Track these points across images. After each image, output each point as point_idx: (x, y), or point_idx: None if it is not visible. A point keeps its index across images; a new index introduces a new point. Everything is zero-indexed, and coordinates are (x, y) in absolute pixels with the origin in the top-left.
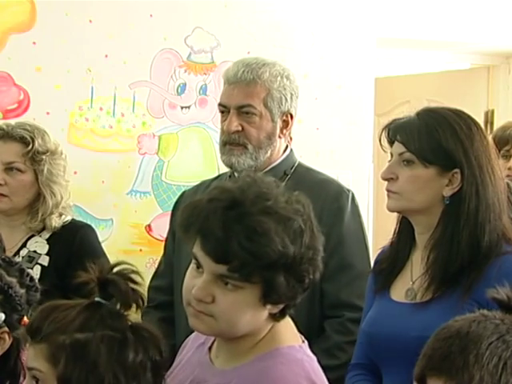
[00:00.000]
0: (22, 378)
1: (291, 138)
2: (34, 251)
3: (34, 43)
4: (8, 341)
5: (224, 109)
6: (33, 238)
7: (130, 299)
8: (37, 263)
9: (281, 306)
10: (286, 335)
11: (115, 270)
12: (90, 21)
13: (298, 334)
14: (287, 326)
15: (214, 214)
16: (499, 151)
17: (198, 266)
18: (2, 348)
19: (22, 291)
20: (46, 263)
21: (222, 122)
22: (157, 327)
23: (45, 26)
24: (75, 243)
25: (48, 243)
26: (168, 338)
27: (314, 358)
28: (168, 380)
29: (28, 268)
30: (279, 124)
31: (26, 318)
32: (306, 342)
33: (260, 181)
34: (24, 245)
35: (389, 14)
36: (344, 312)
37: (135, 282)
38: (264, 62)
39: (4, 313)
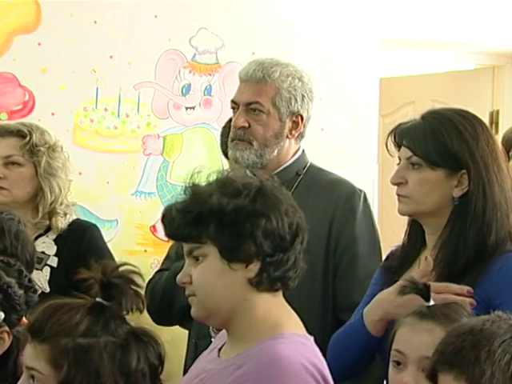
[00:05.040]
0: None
1: (302, 137)
2: (43, 252)
3: (39, 44)
4: (8, 341)
5: (234, 105)
6: (40, 238)
7: (132, 304)
8: (46, 264)
9: (254, 269)
10: (288, 324)
11: (119, 271)
12: (95, 22)
13: (304, 330)
14: (290, 316)
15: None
16: (508, 153)
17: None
18: (2, 348)
19: (21, 292)
20: (55, 264)
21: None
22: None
23: (50, 27)
24: (83, 244)
25: (56, 244)
26: None
27: (318, 350)
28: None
29: (37, 269)
30: (288, 124)
31: (24, 319)
32: (312, 337)
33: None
34: None
35: (393, 14)
36: None
37: (137, 285)
38: (277, 62)
39: (3, 312)
